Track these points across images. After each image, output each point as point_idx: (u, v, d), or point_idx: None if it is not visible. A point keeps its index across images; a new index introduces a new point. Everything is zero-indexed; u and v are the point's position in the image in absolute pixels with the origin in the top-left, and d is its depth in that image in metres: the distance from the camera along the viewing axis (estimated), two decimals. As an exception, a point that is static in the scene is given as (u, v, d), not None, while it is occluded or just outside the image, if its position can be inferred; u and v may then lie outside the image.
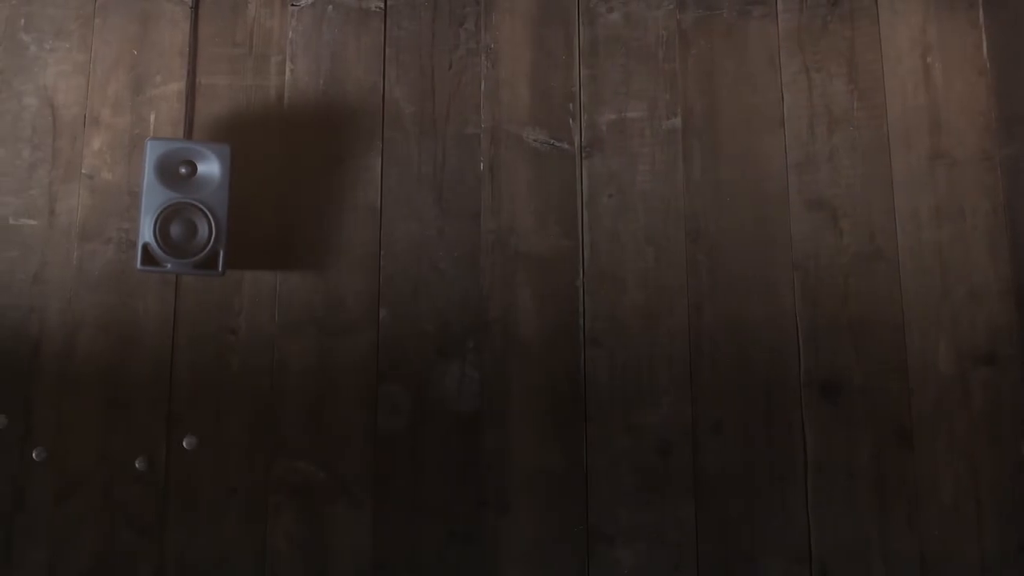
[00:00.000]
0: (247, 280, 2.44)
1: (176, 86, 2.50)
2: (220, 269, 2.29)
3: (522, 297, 2.47)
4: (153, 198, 2.27)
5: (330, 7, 2.57)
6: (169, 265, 2.27)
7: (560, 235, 2.51)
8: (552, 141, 2.55)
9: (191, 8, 2.54)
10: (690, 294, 2.48)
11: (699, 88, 2.57)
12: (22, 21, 2.50)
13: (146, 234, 2.26)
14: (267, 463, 2.37)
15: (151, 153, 2.27)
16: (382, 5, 2.59)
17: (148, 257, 2.27)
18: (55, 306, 2.39)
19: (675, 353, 2.45)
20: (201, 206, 2.27)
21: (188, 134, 2.47)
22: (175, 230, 2.27)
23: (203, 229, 2.27)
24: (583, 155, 2.54)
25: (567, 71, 2.58)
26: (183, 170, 2.28)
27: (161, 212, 2.26)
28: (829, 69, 2.58)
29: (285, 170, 2.49)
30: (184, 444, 2.34)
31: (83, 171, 2.45)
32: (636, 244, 2.50)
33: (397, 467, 2.39)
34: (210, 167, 2.29)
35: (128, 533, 2.32)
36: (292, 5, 2.57)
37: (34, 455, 2.30)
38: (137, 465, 2.33)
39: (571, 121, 2.56)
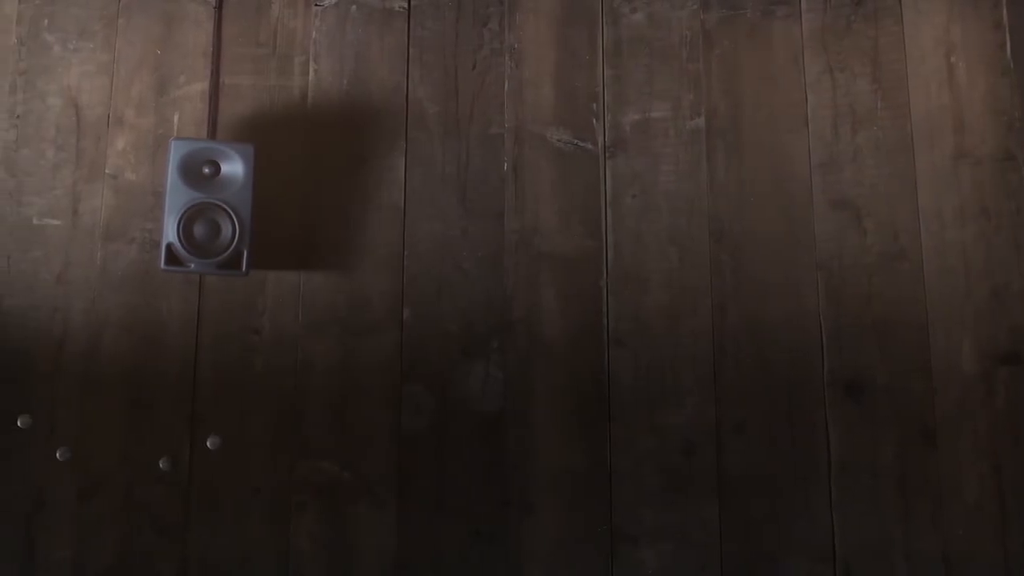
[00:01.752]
0: (271, 280, 2.44)
1: (200, 86, 2.50)
2: (244, 269, 2.29)
3: (546, 297, 2.47)
4: (177, 198, 2.27)
5: (354, 7, 2.57)
6: (193, 265, 2.28)
7: (584, 235, 2.50)
8: (576, 141, 2.55)
9: (215, 8, 2.53)
10: (714, 294, 2.48)
11: (723, 88, 2.57)
12: (46, 21, 2.50)
13: (170, 234, 2.26)
14: (291, 463, 2.37)
15: (175, 153, 2.27)
16: (406, 5, 2.58)
17: (172, 257, 2.27)
18: (79, 306, 2.39)
19: (699, 353, 2.45)
20: (225, 206, 2.27)
21: (212, 134, 2.47)
22: (199, 230, 2.27)
23: (227, 229, 2.27)
24: (607, 155, 2.54)
25: (591, 71, 2.58)
26: (207, 170, 2.28)
27: (185, 212, 2.26)
28: (853, 69, 2.57)
29: (309, 170, 2.49)
30: (208, 444, 2.34)
31: (107, 171, 2.45)
32: (660, 244, 2.50)
33: (421, 467, 2.38)
34: (234, 167, 2.29)
35: (151, 533, 2.31)
36: (316, 5, 2.57)
37: (58, 455, 2.30)
38: (161, 465, 2.33)
39: (595, 121, 2.55)
